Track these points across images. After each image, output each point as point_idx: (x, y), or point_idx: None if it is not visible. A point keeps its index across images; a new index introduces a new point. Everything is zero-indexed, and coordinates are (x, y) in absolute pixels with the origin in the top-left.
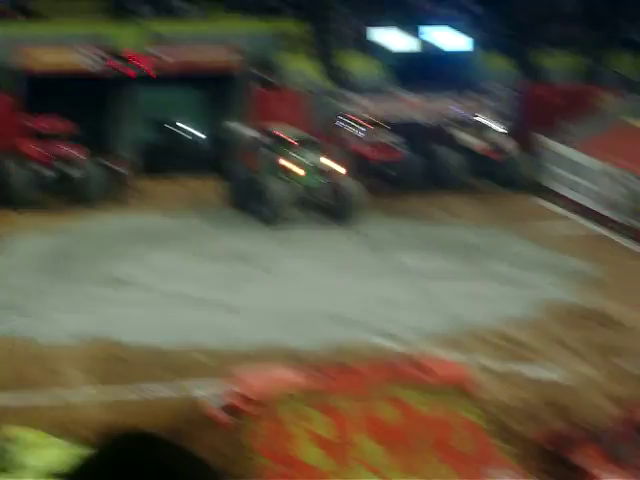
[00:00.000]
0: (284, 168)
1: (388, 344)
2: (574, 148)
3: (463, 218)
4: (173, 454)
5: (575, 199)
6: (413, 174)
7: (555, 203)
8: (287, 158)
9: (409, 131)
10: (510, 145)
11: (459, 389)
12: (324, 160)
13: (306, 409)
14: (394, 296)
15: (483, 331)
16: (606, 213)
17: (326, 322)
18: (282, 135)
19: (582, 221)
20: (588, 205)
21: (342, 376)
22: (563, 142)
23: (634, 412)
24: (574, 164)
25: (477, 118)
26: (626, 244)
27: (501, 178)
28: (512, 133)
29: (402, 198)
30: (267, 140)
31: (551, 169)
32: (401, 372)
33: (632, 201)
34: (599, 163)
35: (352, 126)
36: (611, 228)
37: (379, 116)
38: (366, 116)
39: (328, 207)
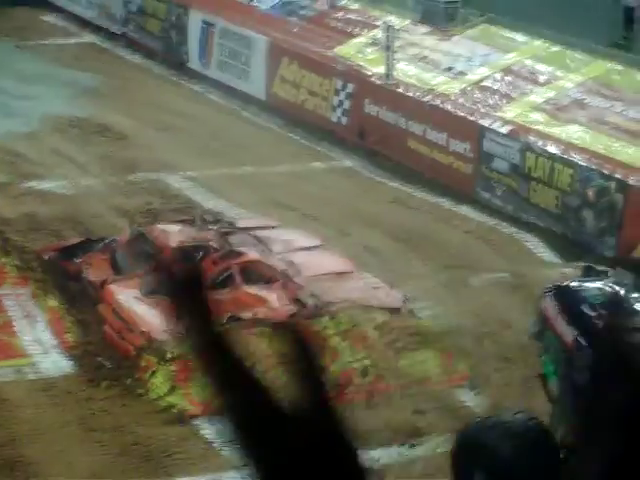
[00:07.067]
0: None
1: None
2: None
3: None
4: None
5: (73, 10)
6: None
7: (55, 14)
8: None
9: None
10: None
11: None
12: None
13: None
14: None
15: None
16: (102, 23)
17: None
18: None
19: (80, 31)
20: (85, 16)
21: None
22: None
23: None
24: None
25: None
26: (122, 53)
27: None
28: None
29: None
30: None
31: None
32: None
33: (126, 11)
34: None
35: None
36: (108, 37)
37: None
38: None
39: None
